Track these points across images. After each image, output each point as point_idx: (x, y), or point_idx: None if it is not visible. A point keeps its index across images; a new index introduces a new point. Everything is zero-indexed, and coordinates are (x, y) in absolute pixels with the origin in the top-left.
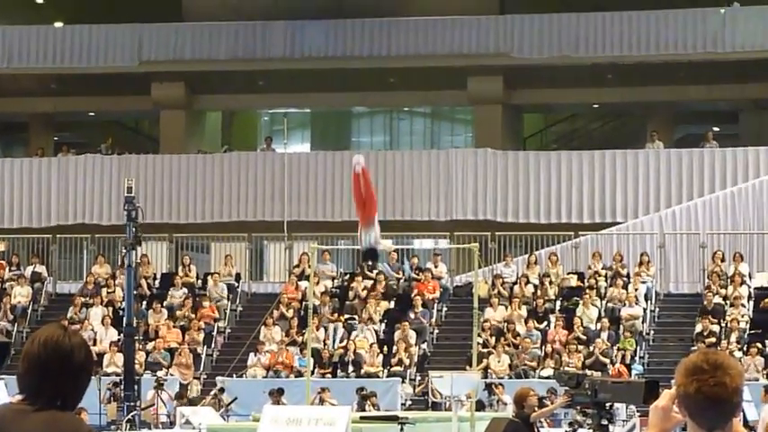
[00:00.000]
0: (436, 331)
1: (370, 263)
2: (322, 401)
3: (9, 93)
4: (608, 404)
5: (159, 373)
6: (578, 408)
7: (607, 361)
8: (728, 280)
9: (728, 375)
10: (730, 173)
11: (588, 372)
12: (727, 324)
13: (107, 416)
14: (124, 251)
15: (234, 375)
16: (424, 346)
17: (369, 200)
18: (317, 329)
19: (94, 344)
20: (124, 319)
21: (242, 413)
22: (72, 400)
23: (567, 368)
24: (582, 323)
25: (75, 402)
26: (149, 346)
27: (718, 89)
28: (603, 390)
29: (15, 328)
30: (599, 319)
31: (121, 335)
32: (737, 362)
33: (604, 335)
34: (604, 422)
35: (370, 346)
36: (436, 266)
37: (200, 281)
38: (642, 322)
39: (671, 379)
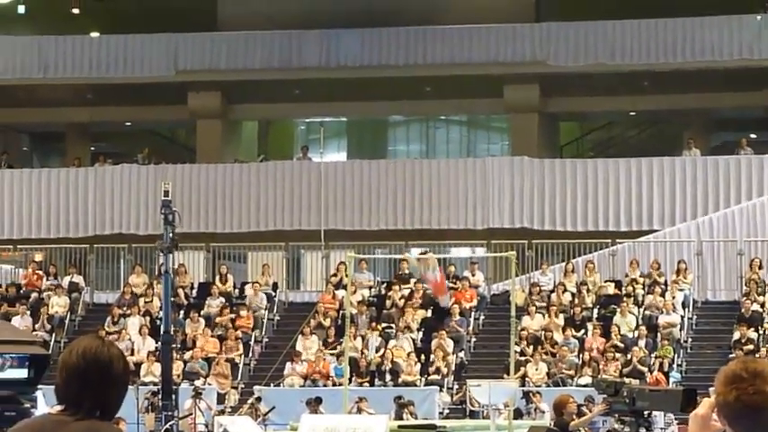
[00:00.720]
0: (473, 340)
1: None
2: (359, 410)
3: (46, 103)
4: (646, 412)
5: (197, 383)
6: (616, 416)
7: (645, 369)
8: (766, 287)
9: None
10: (767, 179)
11: (626, 380)
12: (765, 331)
13: (145, 426)
14: (161, 255)
15: (271, 384)
16: (462, 354)
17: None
18: (354, 338)
19: (132, 354)
20: (161, 327)
21: (279, 422)
22: (111, 411)
23: (604, 376)
24: (619, 331)
25: (114, 412)
26: (187, 355)
27: (753, 96)
28: (641, 398)
29: (53, 338)
30: (636, 327)
31: (159, 343)
32: None
33: (642, 343)
34: (642, 430)
35: (408, 354)
36: (473, 275)
37: (237, 290)
38: (680, 330)
39: (709, 386)
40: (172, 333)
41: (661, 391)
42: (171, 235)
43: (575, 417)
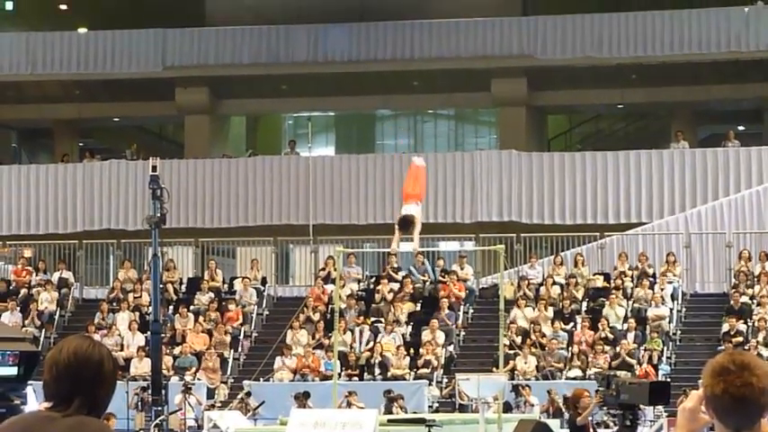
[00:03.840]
0: (462, 333)
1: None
2: (349, 405)
3: (33, 99)
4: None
5: (186, 378)
6: (605, 408)
7: (634, 362)
8: (755, 279)
9: (755, 376)
10: (755, 172)
11: (619, 373)
12: (754, 323)
13: (135, 423)
14: (151, 228)
15: (261, 379)
16: (451, 348)
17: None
18: (344, 333)
19: (122, 349)
20: (151, 317)
21: (269, 417)
22: (99, 408)
23: (597, 370)
24: (608, 324)
25: (103, 410)
26: (176, 350)
27: (741, 88)
28: (624, 390)
29: (42, 334)
30: (625, 319)
31: (149, 334)
32: (765, 362)
33: (631, 335)
34: (627, 422)
35: (397, 348)
36: (462, 268)
37: (226, 285)
38: (669, 322)
39: (698, 379)
40: (161, 322)
41: (635, 384)
42: (159, 210)
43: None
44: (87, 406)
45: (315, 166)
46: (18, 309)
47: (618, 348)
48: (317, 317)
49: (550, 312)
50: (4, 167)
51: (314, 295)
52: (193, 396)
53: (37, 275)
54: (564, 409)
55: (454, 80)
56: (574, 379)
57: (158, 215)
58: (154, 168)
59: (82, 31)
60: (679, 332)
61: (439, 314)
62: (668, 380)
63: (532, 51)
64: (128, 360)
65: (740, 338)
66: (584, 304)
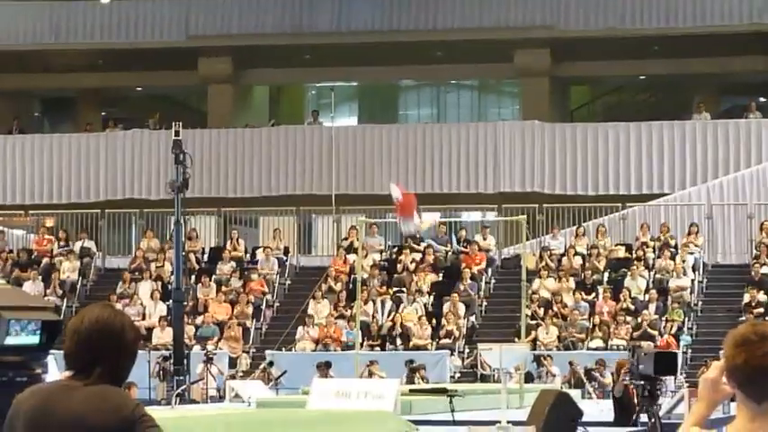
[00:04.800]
0: (485, 304)
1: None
2: (371, 374)
3: (57, 68)
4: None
5: (208, 347)
6: (629, 378)
7: (655, 332)
8: None
9: None
10: None
11: (644, 343)
12: None
13: (157, 392)
14: (173, 194)
15: (283, 349)
16: (473, 318)
17: (407, 204)
18: (366, 303)
19: (143, 318)
20: (173, 285)
21: (291, 386)
22: (121, 377)
23: (618, 340)
24: (630, 294)
25: (124, 379)
26: (198, 320)
27: (763, 60)
28: (641, 361)
29: (65, 303)
30: (647, 290)
31: (171, 302)
32: None
33: (652, 306)
34: (646, 393)
35: (419, 318)
36: (484, 239)
37: (248, 255)
38: (690, 293)
39: (719, 350)
40: (183, 291)
41: (648, 355)
42: (182, 175)
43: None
44: (108, 375)
45: (337, 136)
46: (40, 278)
47: (639, 319)
48: (339, 287)
49: (572, 283)
50: (27, 136)
51: (336, 265)
52: (215, 366)
53: (59, 245)
54: (585, 380)
55: (477, 51)
56: (595, 349)
57: (181, 180)
58: (177, 133)
59: (105, 0)
60: (700, 303)
61: (461, 284)
62: (680, 350)
63: (555, 22)
64: (150, 329)
65: (761, 309)
66: (606, 275)
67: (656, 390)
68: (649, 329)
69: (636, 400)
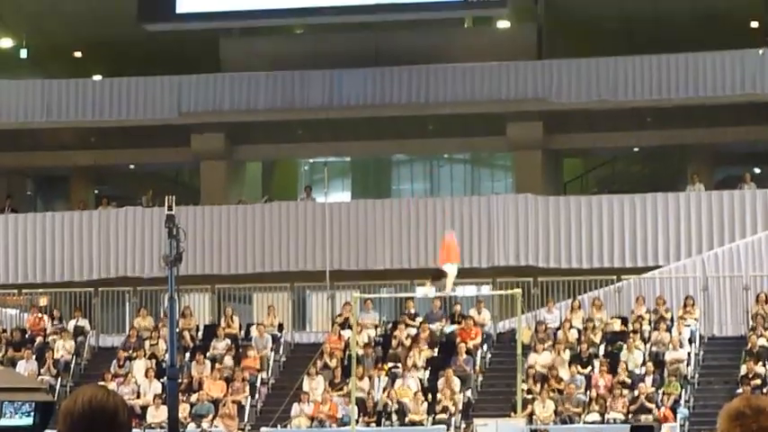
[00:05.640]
0: (480, 378)
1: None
2: None
3: (49, 146)
4: None
5: (204, 425)
6: None
7: (652, 405)
8: None
9: None
10: None
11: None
12: None
13: None
14: (167, 269)
15: (278, 426)
16: (469, 393)
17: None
18: (361, 379)
19: (138, 397)
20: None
21: None
22: None
23: (615, 414)
24: (627, 367)
25: None
26: (193, 398)
27: (757, 130)
28: None
29: (59, 383)
30: (643, 363)
31: (165, 380)
32: None
33: (649, 379)
34: None
35: (415, 394)
36: (479, 313)
37: (242, 331)
38: (687, 365)
39: (716, 423)
40: (178, 368)
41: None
42: (176, 249)
43: None
44: None
45: (331, 212)
46: (34, 357)
47: (636, 392)
48: (334, 363)
49: (568, 356)
50: (19, 215)
51: (331, 341)
52: None
53: (53, 324)
54: None
55: (469, 124)
56: (592, 423)
57: (174, 254)
58: (170, 208)
59: (97, 78)
60: (697, 375)
61: (456, 359)
62: (678, 423)
63: (547, 95)
64: (144, 408)
65: (758, 381)
66: (602, 348)
67: None
68: (646, 402)
69: None
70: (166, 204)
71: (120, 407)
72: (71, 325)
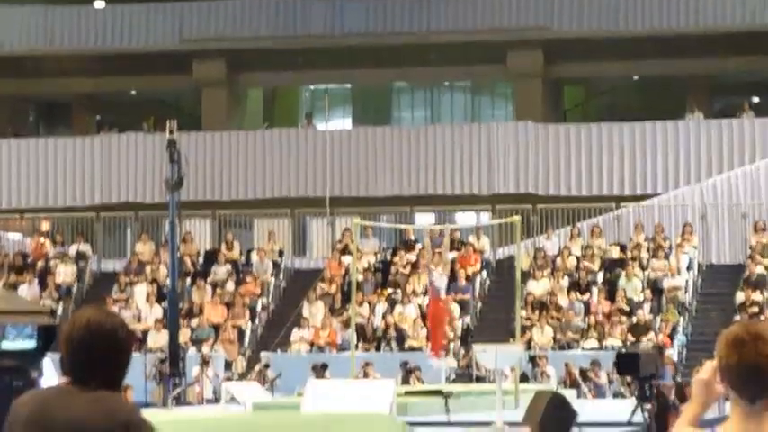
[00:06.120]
0: (479, 305)
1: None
2: (366, 375)
3: (51, 73)
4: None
5: (204, 350)
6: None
7: (650, 333)
8: None
9: None
10: None
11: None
12: None
13: (152, 395)
14: (168, 193)
15: (278, 351)
16: (468, 319)
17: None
18: (360, 305)
19: (139, 321)
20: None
21: (287, 389)
22: (117, 380)
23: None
24: (625, 294)
25: (120, 381)
26: (194, 322)
27: (757, 60)
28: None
29: (60, 307)
30: (642, 290)
31: (165, 304)
32: None
33: (647, 306)
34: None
35: (414, 320)
36: (479, 240)
37: (243, 257)
38: (684, 293)
39: (713, 350)
40: (178, 293)
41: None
42: (177, 174)
43: None
44: (105, 378)
45: (332, 139)
46: (36, 281)
47: (634, 319)
48: (333, 289)
49: (566, 283)
50: (22, 141)
51: (331, 267)
52: (211, 368)
53: (55, 248)
54: (580, 381)
55: (470, 52)
56: (590, 350)
57: (176, 178)
58: (171, 132)
59: (99, 5)
60: (695, 303)
61: (456, 285)
62: (676, 350)
63: (548, 23)
64: (145, 332)
65: (756, 309)
66: (601, 275)
67: (643, 389)
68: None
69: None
70: (167, 129)
71: (119, 326)
72: (73, 250)
